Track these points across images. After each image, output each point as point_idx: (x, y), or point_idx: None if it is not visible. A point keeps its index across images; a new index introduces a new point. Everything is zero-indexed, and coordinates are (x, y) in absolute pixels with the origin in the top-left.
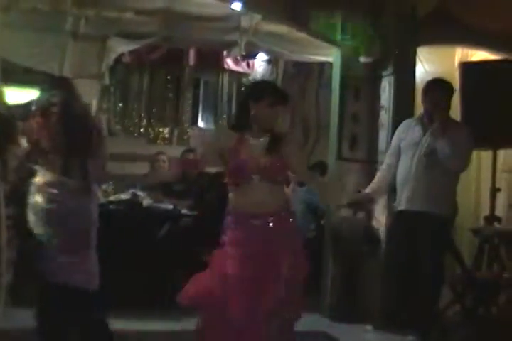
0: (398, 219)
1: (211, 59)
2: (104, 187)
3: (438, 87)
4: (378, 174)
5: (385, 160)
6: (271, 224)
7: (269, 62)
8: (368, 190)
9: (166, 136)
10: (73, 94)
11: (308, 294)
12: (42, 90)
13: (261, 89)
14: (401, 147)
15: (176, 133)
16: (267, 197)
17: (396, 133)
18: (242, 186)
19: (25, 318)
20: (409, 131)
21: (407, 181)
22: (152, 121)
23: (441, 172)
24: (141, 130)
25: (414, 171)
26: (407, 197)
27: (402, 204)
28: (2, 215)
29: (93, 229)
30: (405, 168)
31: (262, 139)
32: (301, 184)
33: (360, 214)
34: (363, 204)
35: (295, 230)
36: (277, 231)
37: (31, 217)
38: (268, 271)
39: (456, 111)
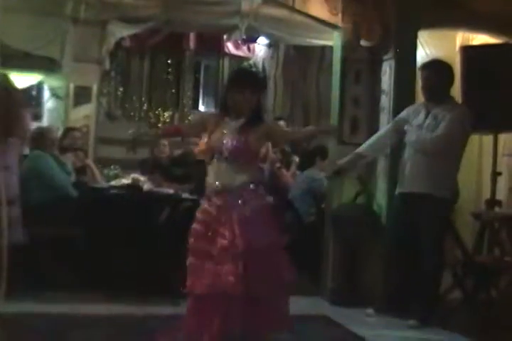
0: (399, 201)
1: (212, 43)
2: (105, 171)
3: (428, 67)
4: (373, 136)
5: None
6: (216, 201)
7: (269, 46)
8: (358, 150)
9: (167, 120)
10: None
11: (309, 278)
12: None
13: (232, 76)
14: (406, 130)
15: (176, 117)
16: (222, 176)
17: (405, 111)
18: (211, 163)
19: (26, 304)
20: (416, 115)
21: (409, 164)
22: (153, 105)
23: (442, 156)
24: (142, 114)
25: (413, 153)
26: (408, 179)
27: (403, 186)
28: (2, 201)
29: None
30: (408, 150)
31: (235, 122)
32: (302, 169)
33: (361, 200)
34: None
35: (250, 210)
36: (222, 209)
37: None
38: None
39: (457, 94)
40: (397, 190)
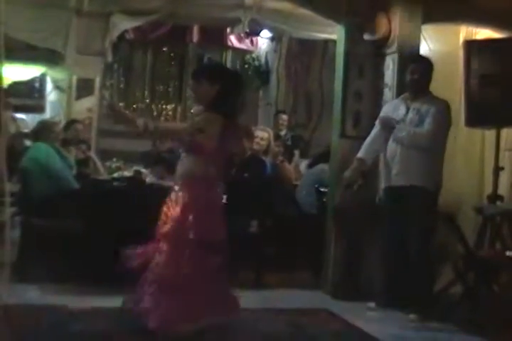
0: (387, 195)
1: (215, 36)
2: (107, 164)
3: (416, 61)
4: (367, 140)
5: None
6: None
7: (272, 39)
8: (359, 156)
9: (170, 113)
10: None
11: (310, 271)
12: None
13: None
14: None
15: (179, 110)
16: (179, 166)
17: (384, 109)
18: None
19: (29, 294)
20: (395, 111)
21: (394, 158)
22: (155, 98)
23: (429, 149)
24: (145, 107)
25: (401, 148)
26: (394, 173)
27: (389, 180)
28: (6, 191)
29: None
30: (392, 145)
31: (196, 113)
32: (310, 165)
33: (363, 193)
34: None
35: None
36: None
37: None
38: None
39: (459, 89)
40: (385, 184)
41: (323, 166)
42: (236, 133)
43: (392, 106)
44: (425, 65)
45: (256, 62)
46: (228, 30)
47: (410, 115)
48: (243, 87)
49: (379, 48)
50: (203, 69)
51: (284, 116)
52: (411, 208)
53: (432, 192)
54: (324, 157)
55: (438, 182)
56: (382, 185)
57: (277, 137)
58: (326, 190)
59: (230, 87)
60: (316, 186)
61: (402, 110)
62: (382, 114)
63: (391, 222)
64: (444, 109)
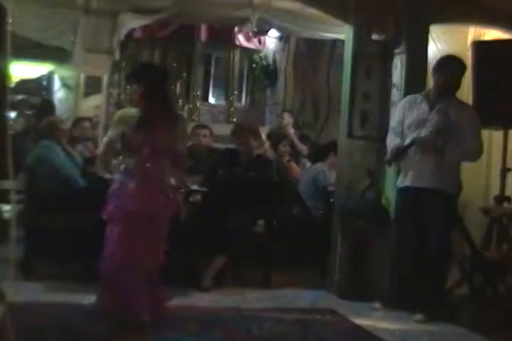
0: (403, 195)
1: (223, 35)
2: (114, 162)
3: (455, 62)
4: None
5: (393, 141)
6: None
7: (280, 38)
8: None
9: None
10: None
11: (316, 271)
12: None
13: None
14: (406, 124)
15: (186, 109)
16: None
17: (399, 109)
18: None
19: (35, 292)
20: (415, 108)
21: (413, 158)
22: None
23: (447, 149)
24: None
25: (421, 150)
26: (413, 173)
27: (407, 180)
28: (12, 189)
29: None
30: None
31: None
32: (313, 162)
33: (370, 194)
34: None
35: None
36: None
37: None
38: None
39: (467, 90)
40: (403, 184)
41: (319, 166)
42: (174, 128)
43: (410, 103)
44: (461, 67)
45: (264, 62)
46: (236, 29)
47: (435, 115)
48: (168, 79)
49: (387, 48)
50: (131, 72)
51: (286, 114)
52: (431, 211)
53: (452, 195)
54: (330, 150)
55: (458, 184)
56: (398, 183)
57: (284, 136)
58: (323, 189)
59: (156, 82)
60: (319, 186)
61: (425, 109)
62: (399, 112)
63: (405, 223)
64: (477, 117)
